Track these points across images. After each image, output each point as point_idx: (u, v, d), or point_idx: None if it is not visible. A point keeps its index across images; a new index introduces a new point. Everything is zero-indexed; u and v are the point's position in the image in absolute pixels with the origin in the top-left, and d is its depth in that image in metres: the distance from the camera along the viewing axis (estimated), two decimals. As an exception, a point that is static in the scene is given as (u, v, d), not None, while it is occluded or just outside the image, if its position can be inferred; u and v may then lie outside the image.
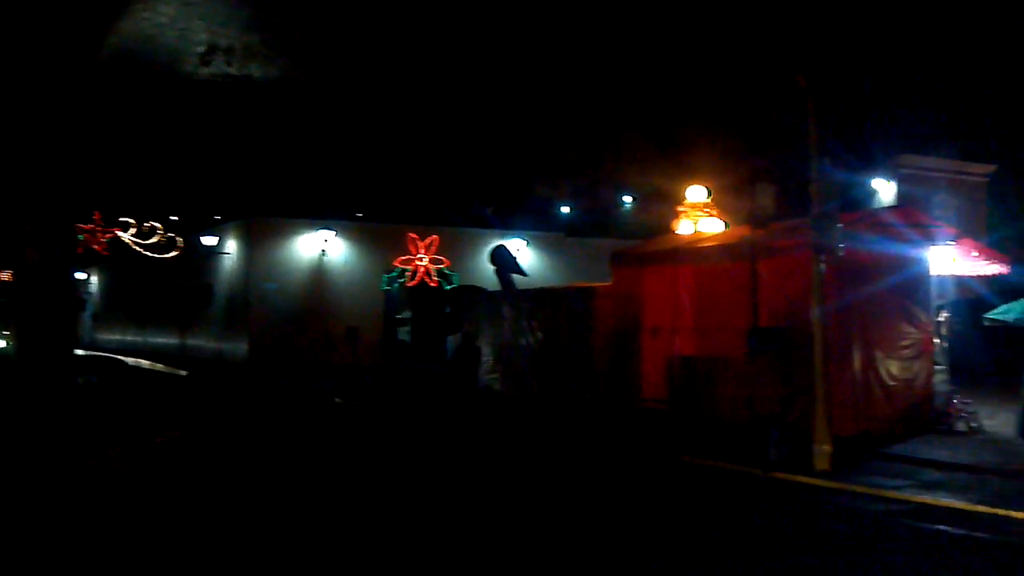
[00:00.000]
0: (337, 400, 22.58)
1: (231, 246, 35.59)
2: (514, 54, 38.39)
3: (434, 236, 34.59)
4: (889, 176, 38.39)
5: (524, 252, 35.21)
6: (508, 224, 37.08)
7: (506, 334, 21.71)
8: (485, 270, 29.88)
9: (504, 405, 20.37)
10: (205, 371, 31.17)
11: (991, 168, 40.87)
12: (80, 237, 36.07)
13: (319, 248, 33.83)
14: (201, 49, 21.55)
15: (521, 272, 25.33)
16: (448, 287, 34.27)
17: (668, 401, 17.38)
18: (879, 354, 15.28)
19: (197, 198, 45.38)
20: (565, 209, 41.56)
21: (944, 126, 41.54)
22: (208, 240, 35.46)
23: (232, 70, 23.39)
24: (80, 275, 48.91)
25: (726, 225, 20.91)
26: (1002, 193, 41.32)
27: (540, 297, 21.61)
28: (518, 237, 35.84)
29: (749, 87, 34.42)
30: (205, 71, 23.07)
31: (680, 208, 21.69)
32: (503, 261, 25.16)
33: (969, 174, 40.64)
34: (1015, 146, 41.66)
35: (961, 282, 21.04)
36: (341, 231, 34.30)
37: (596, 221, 40.04)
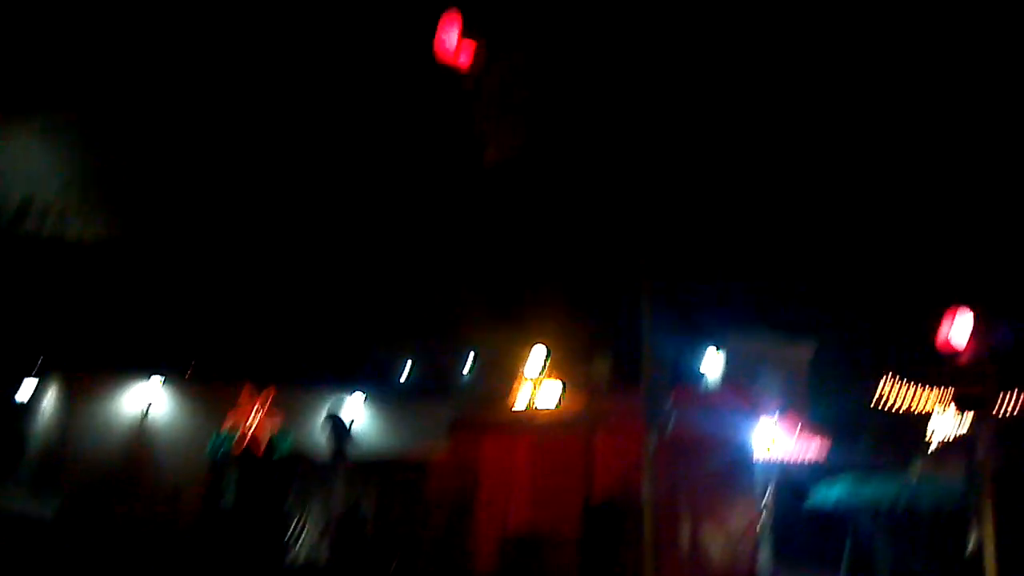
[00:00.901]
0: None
1: (46, 401, 33.63)
2: (355, 213, 38.74)
3: (270, 393, 33.56)
4: (718, 351, 39.78)
5: (361, 414, 34.55)
6: (347, 384, 36.40)
7: (336, 505, 21.06)
8: (320, 432, 29.09)
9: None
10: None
11: (813, 346, 42.93)
12: None
13: (144, 404, 32.32)
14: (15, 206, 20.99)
15: (353, 440, 24.80)
16: (277, 454, 33.09)
17: None
18: (705, 532, 15.45)
19: (11, 350, 43.00)
20: (406, 370, 41.23)
21: (771, 304, 43.66)
22: (20, 395, 33.49)
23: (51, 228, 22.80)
24: None
25: (564, 393, 21.13)
26: (823, 371, 43.33)
27: (373, 467, 21.16)
28: (356, 396, 35.22)
29: (591, 261, 35.60)
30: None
31: (521, 375, 21.84)
32: (336, 427, 24.63)
33: (793, 353, 42.52)
34: (835, 326, 44.09)
35: (785, 459, 21.76)
36: (169, 386, 32.91)
37: (437, 384, 39.80)
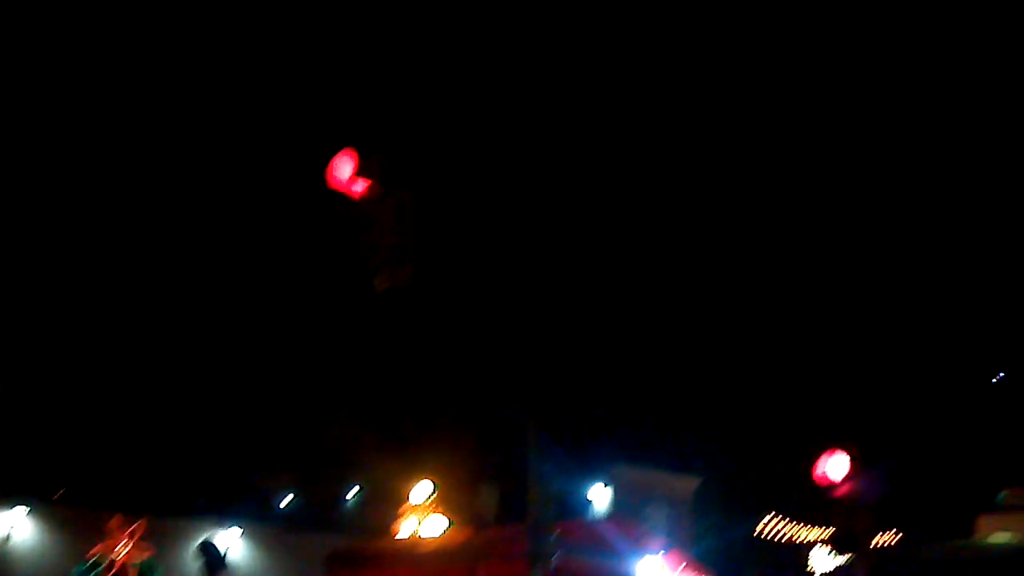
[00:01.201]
0: None
1: None
2: (236, 338, 38.08)
3: (140, 523, 31.99)
4: (606, 483, 39.88)
5: (237, 546, 33.19)
6: (222, 514, 35.00)
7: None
8: (192, 561, 27.77)
9: None
10: None
11: (698, 480, 43.40)
12: None
13: (4, 531, 30.46)
14: None
15: (228, 570, 23.75)
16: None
17: None
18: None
19: None
20: (286, 501, 39.99)
21: (658, 438, 44.20)
22: None
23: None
24: None
25: (450, 525, 20.74)
26: (707, 505, 43.75)
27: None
28: (233, 528, 33.86)
29: (479, 394, 35.60)
30: None
31: (404, 506, 21.37)
32: (209, 557, 23.55)
33: (681, 485, 42.87)
34: (718, 461, 44.80)
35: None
36: (35, 514, 31.17)
37: (319, 515, 38.66)
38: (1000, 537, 14.34)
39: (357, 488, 40.77)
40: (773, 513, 34.99)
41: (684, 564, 18.01)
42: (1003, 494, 26.88)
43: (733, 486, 44.31)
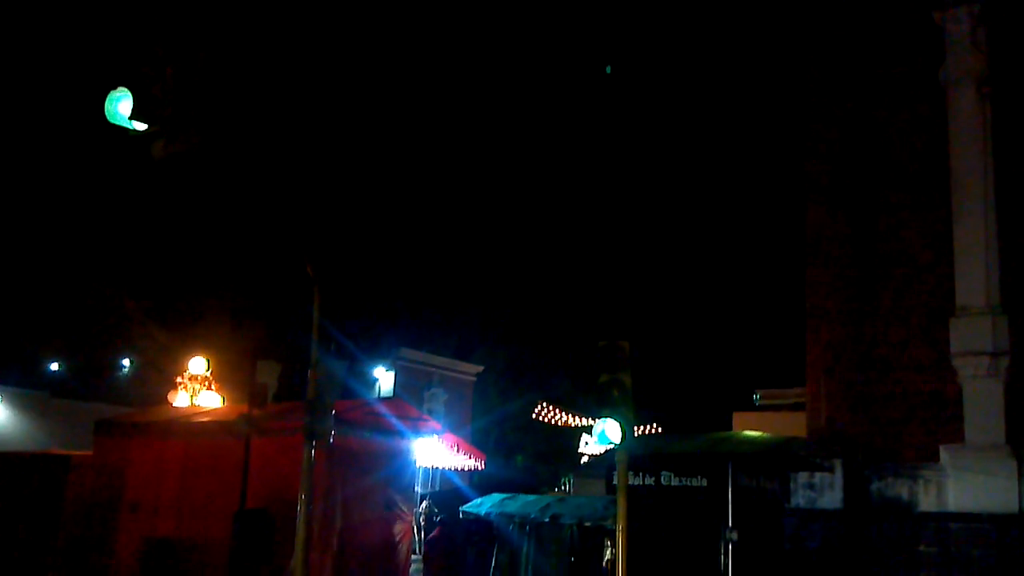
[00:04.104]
0: None
1: None
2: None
3: None
4: (389, 367, 40.40)
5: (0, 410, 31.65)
6: (-15, 379, 33.23)
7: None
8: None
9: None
10: None
11: (479, 368, 44.66)
12: None
13: None
14: None
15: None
16: None
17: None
18: (361, 541, 15.52)
19: None
20: (54, 366, 38.29)
21: (441, 325, 45.10)
22: None
23: None
24: None
25: (224, 401, 20.52)
26: (485, 392, 45.21)
27: (4, 462, 19.40)
28: (-8, 392, 32.22)
29: (260, 264, 34.92)
30: None
31: (179, 379, 20.96)
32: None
33: (460, 372, 44.00)
34: (497, 350, 46.24)
35: (443, 473, 22.34)
36: None
37: (88, 383, 37.26)
38: (752, 434, 15.52)
39: (130, 359, 39.53)
40: (545, 400, 36.49)
41: (458, 446, 18.63)
42: (757, 395, 29.07)
43: (509, 374, 45.92)
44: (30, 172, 36.46)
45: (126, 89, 9.23)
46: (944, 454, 14.75)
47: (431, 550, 16.68)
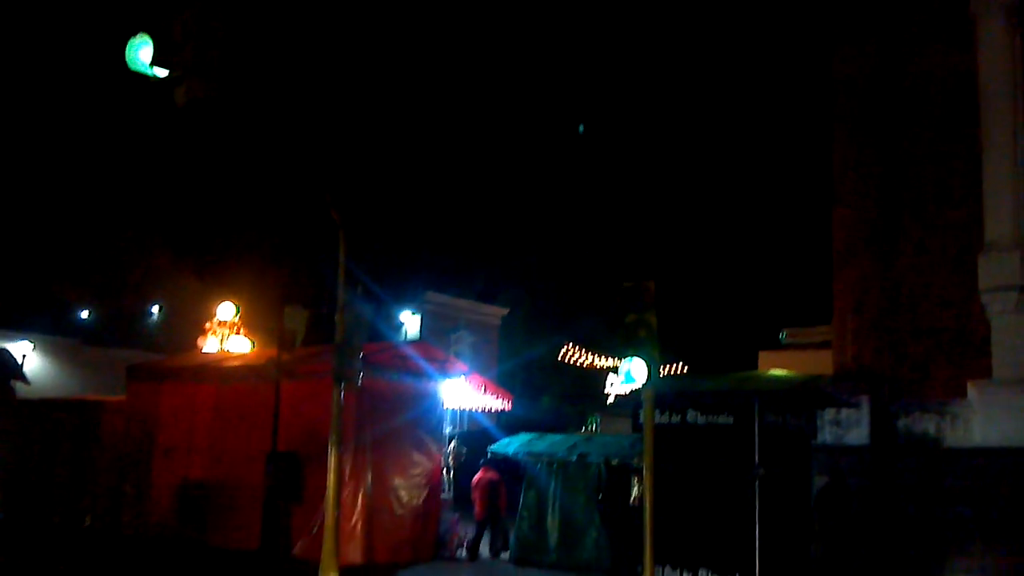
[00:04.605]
0: None
1: None
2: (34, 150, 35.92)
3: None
4: (416, 310, 40.59)
5: (32, 357, 32.13)
6: (16, 325, 33.64)
7: (1, 447, 19.54)
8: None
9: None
10: None
11: (504, 311, 44.80)
12: None
13: None
14: None
15: (24, 379, 22.98)
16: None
17: (177, 527, 16.55)
18: (391, 482, 15.74)
19: None
20: (84, 314, 38.71)
21: (466, 270, 45.21)
22: None
23: None
24: None
25: (253, 345, 20.74)
26: (511, 334, 45.37)
27: (42, 408, 19.74)
28: (25, 340, 32.66)
29: (286, 211, 35.05)
30: None
31: (208, 324, 21.19)
32: (3, 366, 22.70)
33: (486, 315, 44.16)
34: (522, 294, 46.34)
35: (471, 415, 22.53)
36: None
37: (119, 330, 37.70)
38: (779, 372, 15.51)
39: (159, 306, 39.91)
40: (571, 342, 36.60)
41: (485, 388, 18.73)
42: (783, 333, 29.02)
43: (535, 316, 46.02)
44: (60, 123, 36.63)
45: (147, 35, 9.19)
46: (971, 390, 14.73)
47: (476, 490, 16.87)
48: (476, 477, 16.95)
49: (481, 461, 16.68)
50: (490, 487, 16.45)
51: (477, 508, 16.74)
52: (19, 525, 18.42)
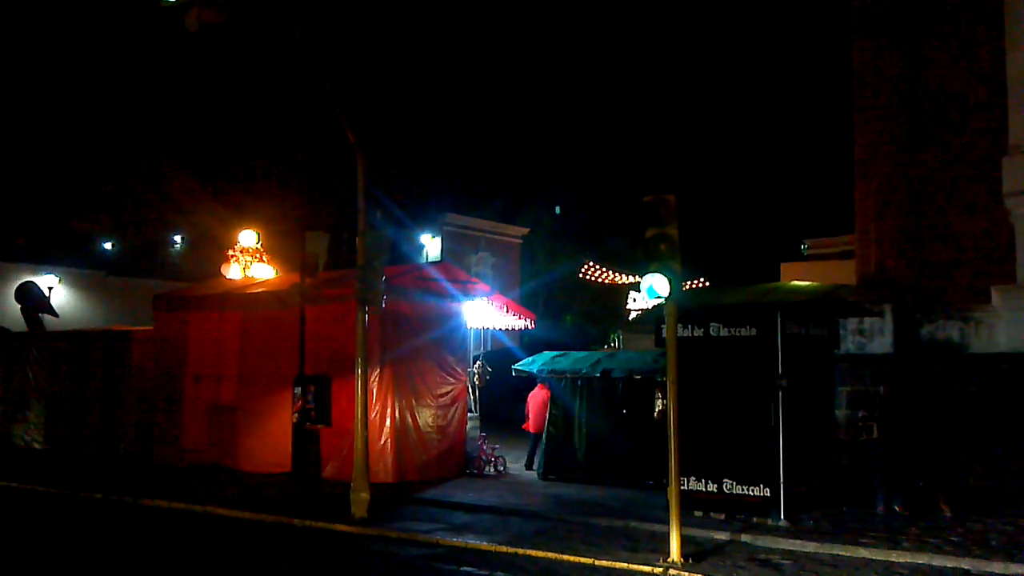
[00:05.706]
0: None
1: None
2: (58, 81, 35.78)
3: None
4: (436, 233, 40.57)
5: (58, 290, 32.45)
6: (41, 258, 33.89)
7: (34, 380, 19.92)
8: (11, 308, 27.07)
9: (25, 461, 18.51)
10: None
11: (525, 231, 44.71)
12: None
13: None
14: None
15: (52, 312, 23.31)
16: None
17: (209, 453, 16.94)
18: (417, 402, 15.94)
19: None
20: (108, 246, 38.90)
21: (486, 190, 45.01)
22: None
23: None
24: None
25: (276, 272, 20.82)
26: (532, 254, 45.34)
27: (72, 340, 20.03)
28: (51, 274, 32.94)
29: (304, 137, 34.91)
30: None
31: (230, 252, 21.25)
32: (32, 299, 23.02)
33: (506, 235, 44.10)
34: (543, 212, 46.17)
35: (494, 334, 22.65)
36: None
37: (142, 261, 37.91)
38: (801, 283, 15.46)
39: (181, 236, 40.04)
40: (593, 260, 36.51)
41: (508, 308, 18.81)
42: (805, 244, 28.91)
43: (556, 235, 45.89)
44: (76, 53, 36.44)
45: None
46: (995, 295, 14.65)
47: (533, 405, 17.11)
48: (532, 393, 17.30)
49: (538, 376, 16.85)
50: (545, 404, 16.71)
51: (533, 422, 17.12)
52: (57, 456, 18.84)
